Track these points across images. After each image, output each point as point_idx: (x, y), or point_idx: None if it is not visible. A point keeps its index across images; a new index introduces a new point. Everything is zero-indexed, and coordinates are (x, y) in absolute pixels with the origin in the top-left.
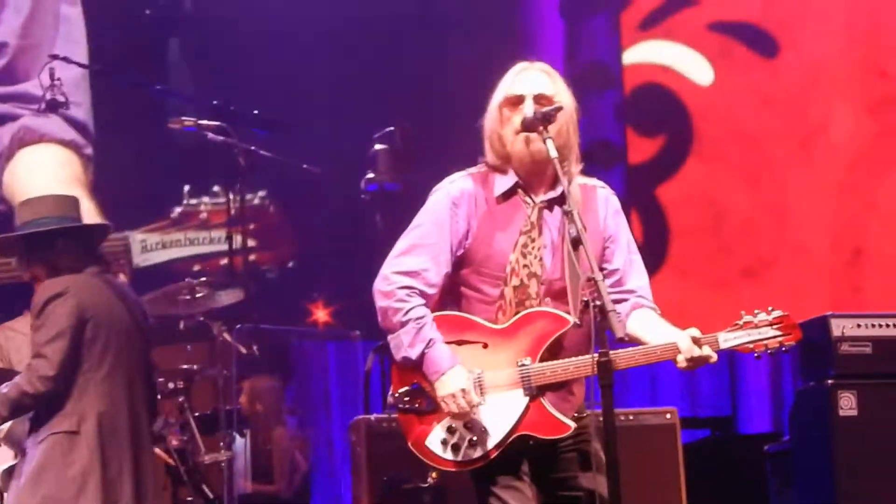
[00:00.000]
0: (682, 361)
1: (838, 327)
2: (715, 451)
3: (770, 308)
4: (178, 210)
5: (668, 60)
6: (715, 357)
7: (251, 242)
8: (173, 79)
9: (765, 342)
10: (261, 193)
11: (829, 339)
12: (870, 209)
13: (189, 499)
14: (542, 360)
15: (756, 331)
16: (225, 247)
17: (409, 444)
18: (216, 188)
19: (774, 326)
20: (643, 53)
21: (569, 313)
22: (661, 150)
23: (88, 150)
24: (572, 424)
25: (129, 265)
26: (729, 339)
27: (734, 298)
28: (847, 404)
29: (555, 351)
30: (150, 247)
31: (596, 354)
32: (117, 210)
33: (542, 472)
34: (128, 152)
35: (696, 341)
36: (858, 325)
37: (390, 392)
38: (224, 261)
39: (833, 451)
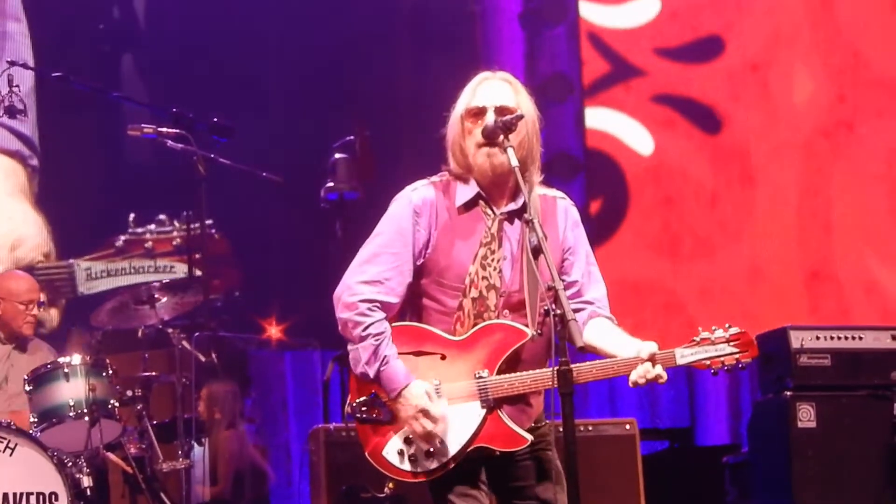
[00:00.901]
0: (637, 379)
1: (797, 339)
2: (674, 462)
3: (727, 325)
4: (122, 238)
5: (612, 128)
6: (665, 377)
7: (198, 272)
8: (127, 93)
9: (721, 359)
10: (207, 222)
11: (789, 351)
12: (825, 232)
13: None
14: (499, 373)
15: (713, 347)
16: (170, 276)
17: (367, 453)
18: (161, 217)
19: (731, 343)
20: (589, 119)
21: (527, 325)
22: (598, 212)
23: (34, 162)
24: (529, 437)
25: (72, 293)
26: (686, 355)
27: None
28: (806, 416)
29: (513, 363)
30: (95, 275)
31: (554, 368)
32: (63, 234)
33: (500, 480)
34: (73, 177)
35: (652, 358)
36: (817, 338)
37: (348, 401)
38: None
39: (791, 462)
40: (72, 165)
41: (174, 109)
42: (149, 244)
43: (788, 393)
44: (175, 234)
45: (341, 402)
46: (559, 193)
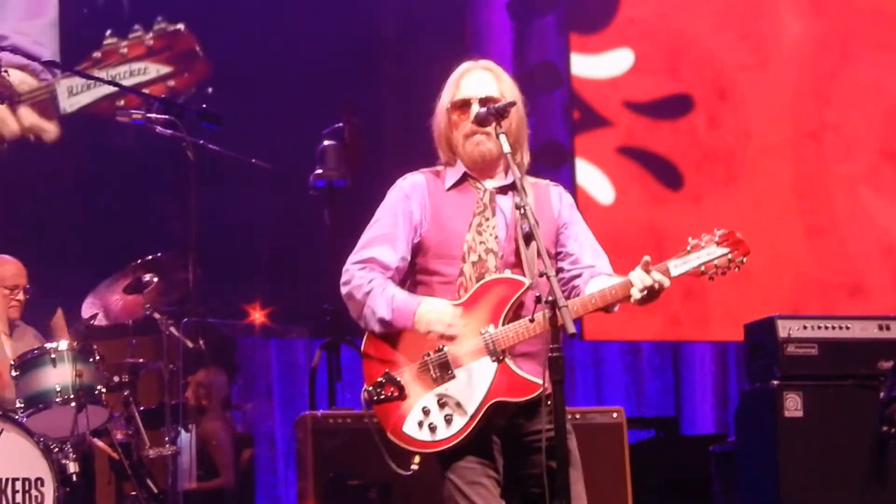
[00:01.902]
0: (636, 293)
1: (785, 328)
2: (660, 451)
3: (715, 229)
4: (100, 51)
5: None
6: (668, 282)
7: (167, 69)
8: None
9: (715, 262)
10: (180, 25)
11: (776, 340)
12: (811, 234)
13: (133, 493)
14: (504, 325)
15: (704, 252)
16: (145, 77)
17: (389, 434)
18: (136, 26)
19: (721, 244)
20: None
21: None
22: None
23: None
24: (540, 382)
25: (56, 112)
26: (679, 264)
27: None
28: (793, 405)
29: (517, 315)
30: (75, 90)
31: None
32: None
33: (515, 469)
34: None
35: (646, 268)
36: (805, 327)
37: (363, 388)
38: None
39: (778, 451)
40: None
41: (164, 95)
42: (123, 50)
43: (775, 382)
44: (148, 38)
45: (329, 390)
46: (552, 183)
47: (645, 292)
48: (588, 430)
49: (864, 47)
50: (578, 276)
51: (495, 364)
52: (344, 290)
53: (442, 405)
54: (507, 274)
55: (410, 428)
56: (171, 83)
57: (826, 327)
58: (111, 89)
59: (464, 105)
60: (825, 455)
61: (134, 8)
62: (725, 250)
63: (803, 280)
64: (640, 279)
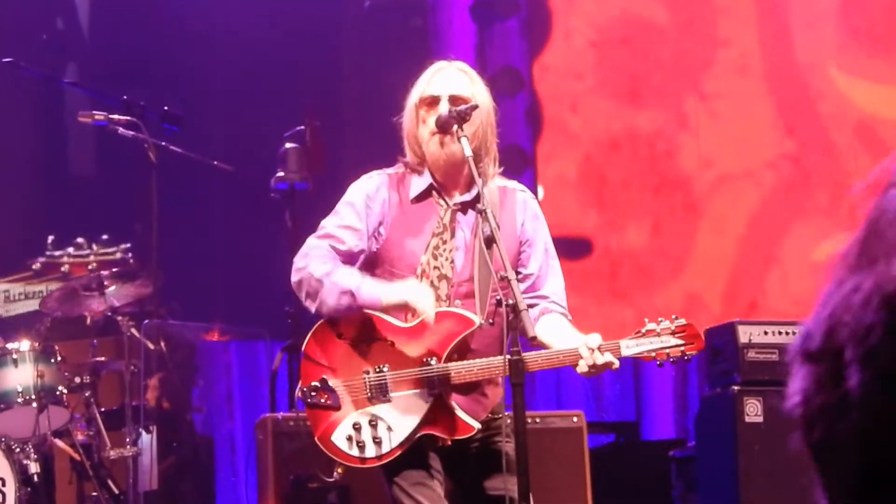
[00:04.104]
0: (583, 367)
1: (745, 334)
2: (620, 455)
3: (673, 316)
4: (40, 261)
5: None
6: (617, 364)
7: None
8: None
9: (667, 351)
10: (123, 246)
11: (736, 345)
12: (768, 263)
13: (94, 494)
14: (448, 360)
15: (658, 339)
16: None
17: (316, 438)
18: (80, 240)
19: (677, 335)
20: None
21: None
22: None
23: None
24: (476, 425)
25: None
26: (631, 346)
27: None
28: (753, 411)
29: (462, 352)
30: (13, 297)
31: (505, 356)
32: None
33: (454, 469)
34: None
35: (597, 348)
36: (765, 332)
37: (299, 386)
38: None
39: (738, 457)
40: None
41: (125, 97)
42: (65, 268)
43: (735, 387)
44: (92, 257)
45: (289, 393)
46: (519, 186)
47: (592, 370)
48: (548, 435)
49: (825, 77)
50: (532, 306)
51: (432, 398)
52: (294, 277)
53: (373, 426)
54: (460, 310)
55: (339, 440)
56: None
57: (787, 333)
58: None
59: (432, 102)
60: (785, 460)
61: (95, 28)
62: (680, 342)
63: (758, 311)
64: (590, 357)
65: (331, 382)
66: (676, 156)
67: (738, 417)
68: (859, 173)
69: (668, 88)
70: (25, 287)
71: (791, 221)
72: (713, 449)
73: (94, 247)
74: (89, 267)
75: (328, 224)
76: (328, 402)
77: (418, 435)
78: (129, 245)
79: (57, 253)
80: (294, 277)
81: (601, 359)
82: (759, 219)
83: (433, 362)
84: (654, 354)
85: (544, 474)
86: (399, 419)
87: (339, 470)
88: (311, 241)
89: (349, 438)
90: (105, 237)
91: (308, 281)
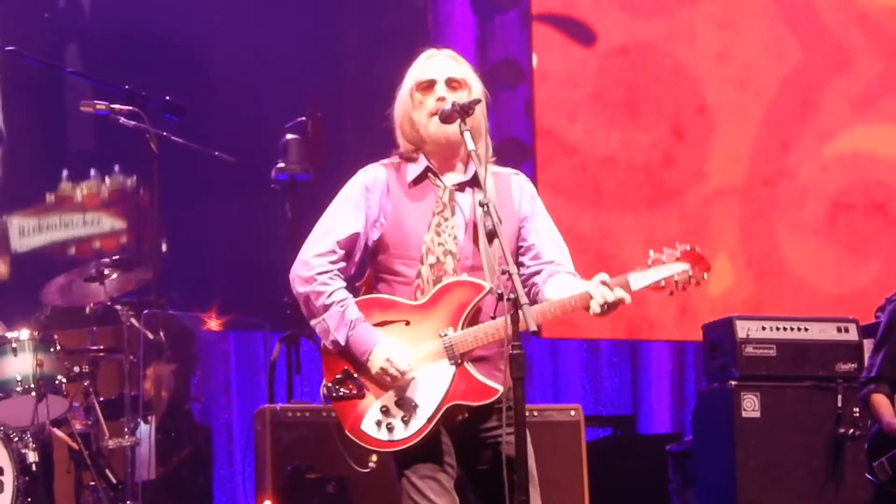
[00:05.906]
0: (595, 307)
1: (743, 329)
2: (617, 449)
3: (677, 243)
4: (54, 194)
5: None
6: (629, 298)
7: (120, 224)
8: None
9: (675, 277)
10: (132, 178)
11: (734, 340)
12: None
13: (92, 483)
14: (463, 328)
15: (665, 267)
16: (100, 229)
17: (347, 431)
18: (93, 172)
19: (682, 260)
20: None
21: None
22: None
23: None
24: (499, 387)
25: (7, 249)
26: (639, 279)
27: None
28: (750, 405)
29: (475, 319)
30: (26, 231)
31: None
32: None
33: (468, 462)
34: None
35: (606, 285)
36: (763, 328)
37: (323, 383)
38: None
39: (735, 451)
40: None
41: (126, 87)
42: (79, 199)
43: (733, 382)
44: (104, 188)
45: (287, 383)
46: (513, 171)
47: (605, 307)
48: (546, 428)
49: (825, 95)
50: (538, 272)
51: (454, 367)
52: (301, 287)
53: (400, 406)
54: (468, 277)
55: (369, 427)
56: (124, 240)
57: (784, 328)
58: (64, 234)
59: (429, 85)
60: (782, 455)
61: (96, 9)
62: (686, 266)
63: None
64: (601, 294)
65: (352, 371)
66: (672, 167)
67: (736, 412)
68: (853, 190)
69: (665, 101)
70: (39, 220)
71: (785, 236)
72: (710, 443)
73: (108, 180)
74: (102, 196)
75: (325, 237)
76: (353, 391)
77: (445, 407)
78: (136, 175)
79: (69, 185)
80: (299, 288)
81: (611, 295)
82: (752, 233)
83: (449, 332)
84: (663, 283)
85: (542, 467)
86: (424, 394)
87: (374, 459)
88: (314, 262)
89: (378, 423)
90: (117, 168)
91: (312, 308)
